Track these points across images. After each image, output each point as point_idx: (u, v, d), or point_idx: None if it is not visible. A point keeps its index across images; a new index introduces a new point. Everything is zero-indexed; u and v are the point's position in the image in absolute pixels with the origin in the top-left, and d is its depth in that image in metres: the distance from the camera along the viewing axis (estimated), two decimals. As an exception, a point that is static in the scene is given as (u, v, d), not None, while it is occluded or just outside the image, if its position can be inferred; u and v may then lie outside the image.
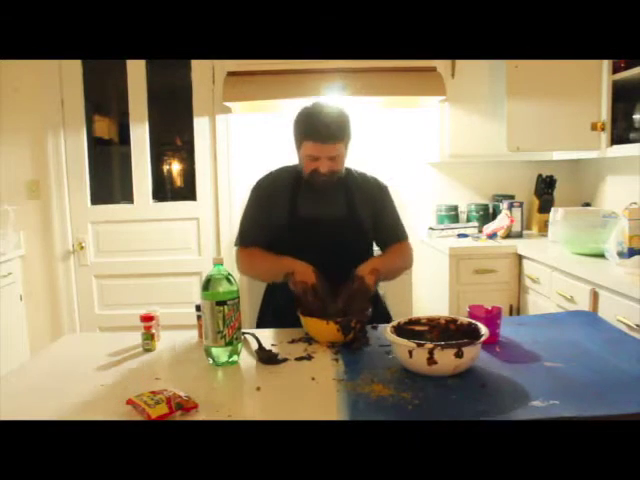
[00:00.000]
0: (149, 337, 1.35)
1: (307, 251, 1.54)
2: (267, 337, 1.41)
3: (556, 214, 2.59)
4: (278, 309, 1.63)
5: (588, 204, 3.03)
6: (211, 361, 1.24)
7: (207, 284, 1.23)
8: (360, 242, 1.65)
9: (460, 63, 2.85)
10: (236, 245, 1.71)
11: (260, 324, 1.71)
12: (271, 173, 1.72)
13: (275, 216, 1.63)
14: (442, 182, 3.25)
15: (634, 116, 2.45)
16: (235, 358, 1.24)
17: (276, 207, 1.63)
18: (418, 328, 1.28)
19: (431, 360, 1.08)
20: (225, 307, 1.20)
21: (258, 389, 1.10)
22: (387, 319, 1.64)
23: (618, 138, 2.50)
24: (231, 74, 2.74)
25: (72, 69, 2.99)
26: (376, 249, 1.75)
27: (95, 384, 1.14)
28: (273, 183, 1.68)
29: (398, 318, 1.30)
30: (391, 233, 1.72)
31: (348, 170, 1.69)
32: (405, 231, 1.74)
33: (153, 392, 1.00)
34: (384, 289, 1.77)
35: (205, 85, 3.04)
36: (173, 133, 3.32)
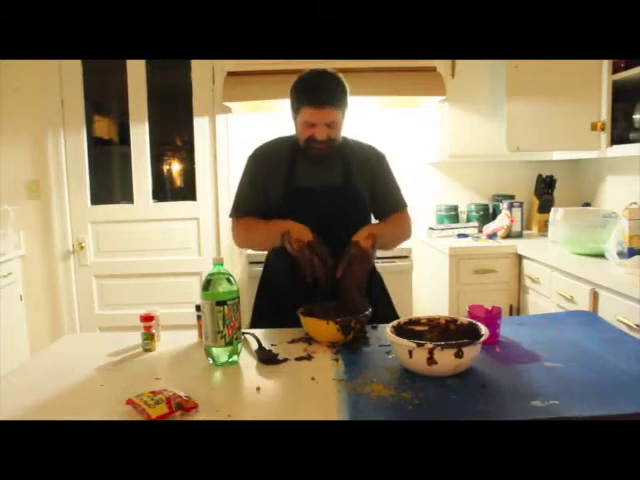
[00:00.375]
0: (149, 337, 1.35)
1: (303, 221, 1.52)
2: (267, 337, 1.41)
3: (556, 214, 2.59)
4: (275, 301, 1.63)
5: (588, 204, 3.03)
6: (211, 361, 1.24)
7: (207, 284, 1.23)
8: (357, 211, 1.63)
9: (460, 63, 2.85)
10: (231, 217, 1.70)
11: (257, 310, 1.70)
12: (267, 143, 1.70)
13: (271, 186, 1.62)
14: (442, 182, 3.25)
15: (634, 116, 2.45)
16: (235, 358, 1.24)
17: (272, 177, 1.62)
18: (418, 328, 1.28)
19: (431, 360, 1.08)
20: (225, 307, 1.20)
21: (258, 389, 1.09)
22: (391, 311, 1.64)
23: (618, 138, 2.50)
24: (231, 74, 2.74)
25: (72, 69, 2.99)
26: (374, 221, 1.74)
27: (95, 384, 1.14)
28: (269, 153, 1.67)
29: (398, 318, 1.30)
30: (389, 202, 1.70)
31: (344, 139, 1.66)
32: (404, 200, 1.72)
33: (153, 392, 1.00)
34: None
35: (205, 85, 3.04)
36: (173, 133, 3.32)
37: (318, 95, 1.49)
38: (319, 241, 1.44)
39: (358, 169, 1.65)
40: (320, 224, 1.52)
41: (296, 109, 1.55)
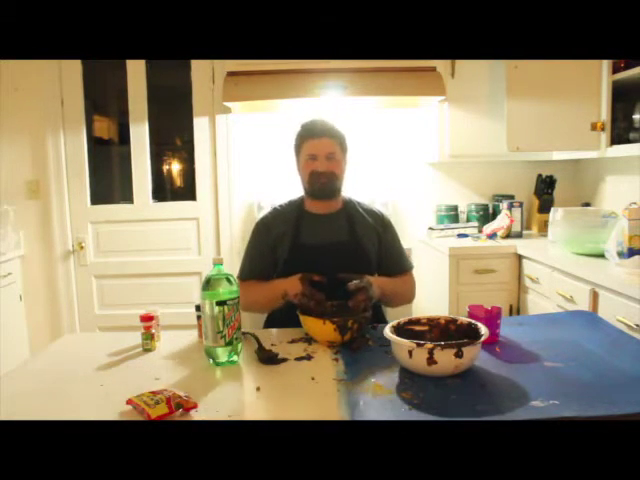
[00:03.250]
0: (149, 337, 1.35)
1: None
2: (267, 337, 1.41)
3: (556, 214, 2.59)
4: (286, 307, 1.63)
5: (588, 204, 3.02)
6: (211, 361, 1.24)
7: (207, 284, 1.23)
8: (363, 264, 1.65)
9: (460, 63, 2.85)
10: (238, 278, 1.70)
11: (268, 322, 1.71)
12: (274, 208, 1.77)
13: (278, 246, 1.65)
14: (442, 182, 3.25)
15: (634, 116, 2.45)
16: (235, 358, 1.24)
17: (278, 237, 1.66)
18: (418, 328, 1.29)
19: (431, 360, 1.08)
20: (225, 307, 1.21)
21: (258, 389, 1.10)
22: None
23: (618, 138, 2.50)
24: (231, 74, 2.74)
25: (72, 69, 2.99)
26: None
27: (95, 384, 1.14)
28: (275, 217, 1.72)
29: (398, 318, 1.30)
30: (396, 263, 1.74)
31: (350, 200, 1.75)
32: (409, 262, 1.78)
33: (153, 392, 1.00)
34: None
35: (205, 85, 3.04)
36: (173, 133, 3.32)
37: (317, 129, 1.64)
38: (310, 291, 1.44)
39: (363, 227, 1.69)
40: (326, 278, 1.53)
41: (298, 150, 1.66)
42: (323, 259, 1.60)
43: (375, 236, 1.70)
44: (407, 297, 1.76)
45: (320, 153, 1.60)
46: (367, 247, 1.66)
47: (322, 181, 1.61)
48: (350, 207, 1.72)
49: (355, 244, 1.65)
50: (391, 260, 1.73)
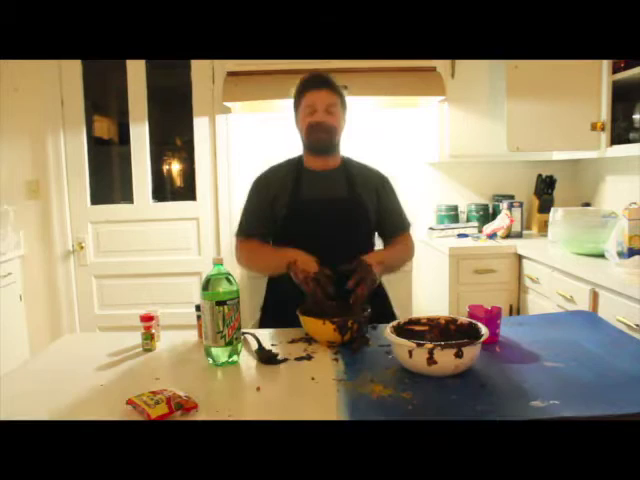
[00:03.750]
0: (149, 337, 1.35)
1: (309, 234, 1.55)
2: (267, 337, 1.41)
3: (556, 214, 2.59)
4: (281, 302, 1.63)
5: (588, 204, 3.03)
6: (211, 361, 1.24)
7: (207, 284, 1.23)
8: (362, 220, 1.65)
9: (460, 63, 2.85)
10: (235, 236, 1.73)
11: (263, 317, 1.71)
12: (272, 165, 1.75)
13: (276, 202, 1.64)
14: (442, 182, 3.25)
15: (634, 116, 2.45)
16: (235, 358, 1.24)
17: (277, 194, 1.64)
18: (418, 328, 1.28)
19: (431, 360, 1.08)
20: (225, 307, 1.20)
21: (258, 389, 1.10)
22: (392, 317, 1.65)
23: (618, 138, 2.50)
24: (231, 74, 2.74)
25: (72, 69, 2.99)
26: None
27: (95, 384, 1.14)
28: (274, 172, 1.71)
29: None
30: (394, 223, 1.73)
31: (349, 159, 1.73)
32: (408, 220, 1.76)
33: (153, 392, 1.00)
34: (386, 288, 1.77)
35: (205, 85, 3.04)
36: (173, 133, 3.32)
37: (316, 80, 1.61)
38: (324, 273, 1.43)
39: (362, 184, 1.68)
40: (325, 234, 1.54)
41: (297, 104, 1.63)
42: (322, 215, 1.60)
43: (374, 194, 1.68)
44: (408, 259, 1.76)
45: (319, 105, 1.58)
46: (366, 204, 1.65)
47: (320, 134, 1.59)
48: (349, 164, 1.71)
49: (354, 200, 1.64)
50: (391, 220, 1.72)
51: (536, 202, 3.08)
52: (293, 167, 1.69)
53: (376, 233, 1.75)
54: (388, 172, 1.78)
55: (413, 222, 1.81)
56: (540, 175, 3.08)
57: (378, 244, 1.77)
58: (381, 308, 1.63)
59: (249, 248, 1.67)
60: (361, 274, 1.44)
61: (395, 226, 1.73)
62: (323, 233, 1.58)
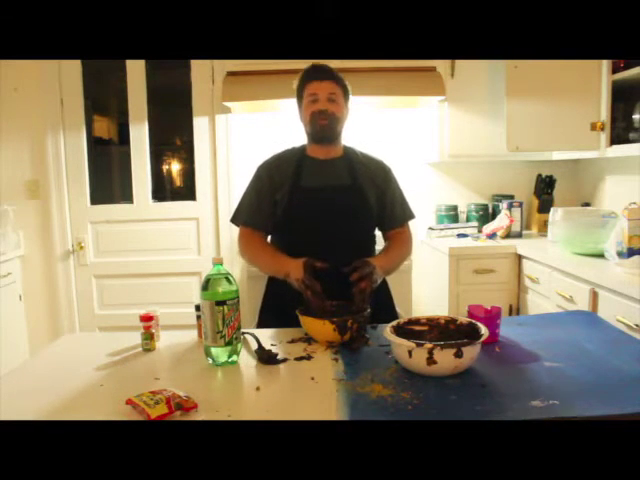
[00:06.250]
0: (149, 337, 1.35)
1: (310, 222, 1.56)
2: (267, 337, 1.41)
3: (555, 214, 2.59)
4: (281, 302, 1.63)
5: (588, 204, 3.03)
6: (211, 361, 1.24)
7: (206, 284, 1.23)
8: (363, 209, 1.65)
9: (460, 63, 2.85)
10: (231, 221, 1.75)
11: (263, 317, 1.71)
12: (275, 154, 1.75)
13: (277, 190, 1.65)
14: (442, 182, 3.25)
15: (633, 116, 2.45)
16: (235, 358, 1.24)
17: (279, 181, 1.65)
18: (418, 328, 1.29)
19: (431, 360, 1.08)
20: (225, 307, 1.20)
21: (258, 389, 1.10)
22: (393, 313, 1.65)
23: (617, 138, 2.50)
24: (231, 74, 2.74)
25: (72, 69, 2.99)
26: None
27: (95, 384, 1.14)
28: (276, 161, 1.71)
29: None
30: (396, 213, 1.73)
31: (352, 148, 1.74)
32: (411, 211, 1.77)
33: (153, 392, 1.00)
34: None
35: (205, 85, 3.04)
36: (173, 133, 3.32)
37: (319, 70, 1.63)
38: (309, 277, 1.45)
39: (364, 174, 1.68)
40: (326, 221, 1.54)
41: (300, 95, 1.65)
42: (324, 203, 1.60)
43: (376, 184, 1.69)
44: (407, 257, 1.76)
45: (321, 94, 1.59)
46: (368, 193, 1.65)
47: (323, 122, 1.60)
48: (351, 154, 1.71)
49: (356, 189, 1.64)
50: (392, 210, 1.72)
51: (536, 202, 3.08)
52: (296, 155, 1.69)
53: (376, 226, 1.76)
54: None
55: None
56: (540, 175, 3.08)
57: (378, 242, 1.76)
58: (384, 299, 1.64)
59: (252, 247, 1.68)
60: (365, 270, 1.45)
61: (396, 216, 1.73)
62: (323, 220, 1.58)
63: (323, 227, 1.58)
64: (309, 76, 1.63)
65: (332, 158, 1.67)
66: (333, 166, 1.66)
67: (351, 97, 1.68)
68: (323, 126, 1.61)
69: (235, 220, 1.73)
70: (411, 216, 1.77)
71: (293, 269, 1.49)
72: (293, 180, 1.63)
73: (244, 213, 1.70)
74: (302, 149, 1.71)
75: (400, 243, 1.72)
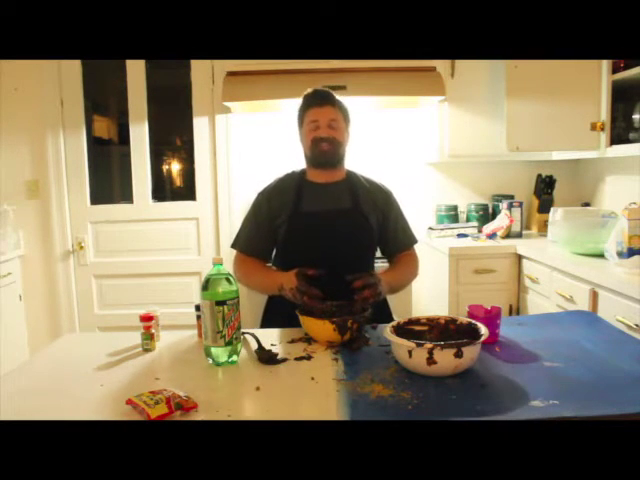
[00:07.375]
0: (149, 337, 1.35)
1: (311, 246, 1.56)
2: (267, 337, 1.41)
3: (555, 214, 2.59)
4: (281, 302, 1.63)
5: (588, 204, 3.03)
6: (211, 361, 1.24)
7: (206, 284, 1.23)
8: (364, 233, 1.65)
9: (460, 63, 2.85)
10: (232, 247, 1.75)
11: (264, 317, 1.71)
12: (274, 180, 1.75)
13: (277, 216, 1.65)
14: (442, 182, 3.25)
15: (633, 116, 2.45)
16: (235, 358, 1.24)
17: (278, 207, 1.65)
18: (418, 328, 1.29)
19: (431, 360, 1.08)
20: (225, 307, 1.20)
21: (258, 389, 1.10)
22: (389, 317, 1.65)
23: (617, 138, 2.50)
24: (231, 74, 2.74)
25: (72, 69, 2.99)
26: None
27: (95, 384, 1.14)
28: (276, 187, 1.71)
29: (398, 318, 1.30)
30: (400, 238, 1.73)
31: (353, 172, 1.74)
32: (414, 236, 1.77)
33: (153, 392, 1.00)
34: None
35: (205, 85, 3.04)
36: (173, 133, 3.32)
37: (319, 96, 1.63)
38: (302, 281, 1.46)
39: (365, 197, 1.68)
40: (326, 245, 1.54)
41: (301, 120, 1.66)
42: (324, 227, 1.60)
43: (378, 209, 1.68)
44: (412, 280, 1.76)
45: (322, 120, 1.60)
46: (369, 217, 1.65)
47: (324, 147, 1.60)
48: (353, 178, 1.71)
49: (357, 213, 1.64)
50: (395, 235, 1.72)
51: (536, 202, 3.08)
52: (295, 180, 1.69)
53: (379, 251, 1.75)
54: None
55: (419, 239, 1.80)
56: (540, 175, 3.08)
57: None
58: (381, 307, 1.64)
59: (246, 268, 1.68)
60: (369, 280, 1.45)
61: (400, 242, 1.73)
62: (324, 244, 1.58)
63: (323, 250, 1.57)
64: (309, 102, 1.64)
65: (333, 182, 1.68)
66: (334, 190, 1.67)
67: (352, 121, 1.69)
68: (324, 152, 1.61)
69: (234, 246, 1.74)
70: (415, 241, 1.76)
71: (286, 280, 1.49)
72: (293, 205, 1.64)
73: (242, 240, 1.71)
74: (302, 173, 1.71)
75: (406, 264, 1.72)
